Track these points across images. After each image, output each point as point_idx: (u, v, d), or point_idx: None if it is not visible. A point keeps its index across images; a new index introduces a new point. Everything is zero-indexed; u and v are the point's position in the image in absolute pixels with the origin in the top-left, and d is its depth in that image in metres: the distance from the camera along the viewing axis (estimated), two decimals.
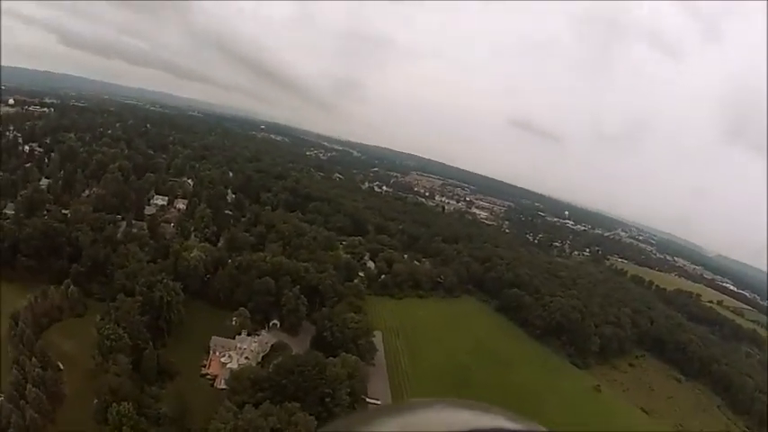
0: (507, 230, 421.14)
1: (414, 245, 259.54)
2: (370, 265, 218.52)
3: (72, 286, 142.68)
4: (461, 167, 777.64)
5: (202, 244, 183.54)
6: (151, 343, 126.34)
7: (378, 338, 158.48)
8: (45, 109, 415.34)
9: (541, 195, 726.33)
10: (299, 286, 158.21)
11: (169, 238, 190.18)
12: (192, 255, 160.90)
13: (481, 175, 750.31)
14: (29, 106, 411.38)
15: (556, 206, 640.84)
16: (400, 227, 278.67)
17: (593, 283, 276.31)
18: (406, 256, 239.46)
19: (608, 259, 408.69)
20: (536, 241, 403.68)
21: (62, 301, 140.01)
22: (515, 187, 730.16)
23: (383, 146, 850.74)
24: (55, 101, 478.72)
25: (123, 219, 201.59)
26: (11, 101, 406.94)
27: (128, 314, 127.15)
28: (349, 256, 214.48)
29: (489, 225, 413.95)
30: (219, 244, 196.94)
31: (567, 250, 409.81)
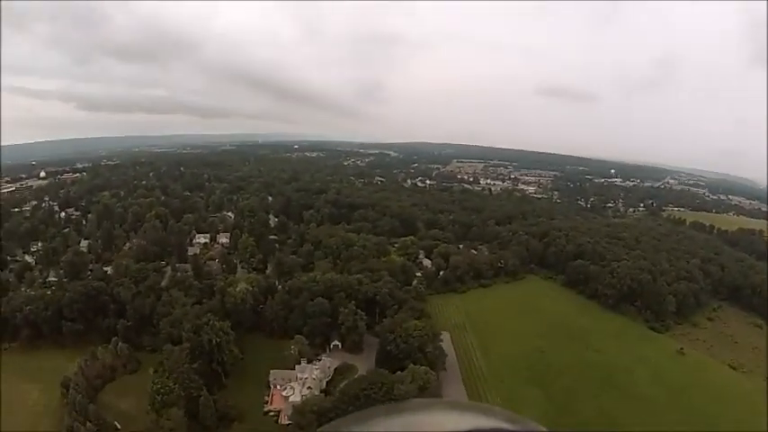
0: (558, 200, 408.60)
1: (467, 233, 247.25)
2: (427, 263, 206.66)
3: (120, 343, 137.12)
4: (500, 146, 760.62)
5: (249, 275, 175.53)
6: (205, 389, 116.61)
7: (446, 339, 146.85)
8: (77, 174, 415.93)
9: (585, 159, 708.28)
10: (353, 301, 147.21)
11: (216, 275, 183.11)
12: (237, 289, 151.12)
13: (521, 150, 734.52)
14: (61, 175, 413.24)
15: (601, 167, 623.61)
16: (450, 217, 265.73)
17: (656, 238, 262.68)
18: (461, 246, 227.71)
19: (664, 210, 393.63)
20: (589, 206, 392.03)
21: (113, 359, 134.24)
22: (558, 155, 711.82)
23: (419, 141, 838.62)
24: (87, 164, 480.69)
25: (167, 264, 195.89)
26: (42, 173, 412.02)
27: (177, 364, 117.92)
28: (403, 258, 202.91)
29: (539, 199, 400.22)
30: (268, 271, 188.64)
31: (622, 209, 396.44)
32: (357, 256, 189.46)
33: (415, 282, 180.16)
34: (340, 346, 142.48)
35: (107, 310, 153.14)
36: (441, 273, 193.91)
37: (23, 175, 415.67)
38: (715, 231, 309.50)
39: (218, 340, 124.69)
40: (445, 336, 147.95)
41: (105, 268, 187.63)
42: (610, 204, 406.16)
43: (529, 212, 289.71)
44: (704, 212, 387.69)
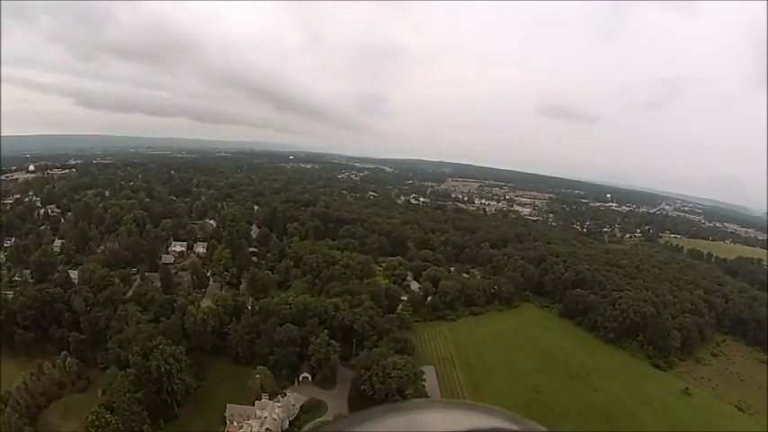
0: (554, 223, 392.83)
1: (460, 255, 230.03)
2: (414, 286, 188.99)
3: (69, 358, 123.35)
4: (496, 167, 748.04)
5: (218, 292, 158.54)
6: (150, 422, 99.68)
7: (431, 375, 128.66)
8: (66, 170, 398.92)
9: (580, 182, 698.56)
10: (328, 329, 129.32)
11: (184, 288, 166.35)
12: (199, 308, 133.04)
13: (517, 171, 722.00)
14: (50, 170, 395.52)
15: (597, 190, 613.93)
16: (443, 238, 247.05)
17: (657, 267, 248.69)
18: (452, 268, 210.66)
19: (660, 237, 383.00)
20: (585, 230, 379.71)
21: (62, 375, 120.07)
22: (553, 178, 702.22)
23: (416, 157, 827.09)
24: (79, 161, 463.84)
25: (137, 272, 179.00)
26: (31, 167, 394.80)
27: (119, 391, 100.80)
28: (388, 281, 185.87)
29: (535, 221, 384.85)
30: (242, 286, 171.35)
31: (618, 234, 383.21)
32: (338, 276, 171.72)
33: (400, 307, 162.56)
34: (310, 379, 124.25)
35: (62, 320, 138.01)
36: (429, 298, 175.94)
37: (13, 167, 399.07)
38: (713, 259, 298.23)
39: (167, 367, 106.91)
40: (430, 371, 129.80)
41: (72, 271, 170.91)
42: (606, 229, 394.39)
43: (525, 235, 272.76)
44: (701, 240, 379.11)
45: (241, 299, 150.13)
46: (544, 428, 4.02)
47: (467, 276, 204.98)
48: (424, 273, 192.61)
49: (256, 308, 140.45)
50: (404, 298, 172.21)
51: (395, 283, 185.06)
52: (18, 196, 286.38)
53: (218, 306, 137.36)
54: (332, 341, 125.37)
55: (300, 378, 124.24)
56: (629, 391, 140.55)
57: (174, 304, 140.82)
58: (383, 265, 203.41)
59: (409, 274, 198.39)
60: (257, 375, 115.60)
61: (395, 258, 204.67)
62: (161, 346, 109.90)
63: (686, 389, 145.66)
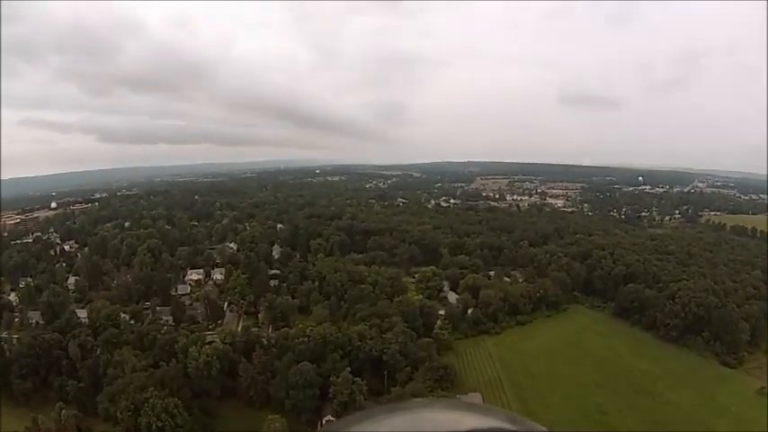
0: (590, 213, 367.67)
1: (498, 258, 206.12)
2: (452, 297, 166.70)
3: (63, 410, 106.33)
4: (524, 161, 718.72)
5: (225, 327, 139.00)
6: None
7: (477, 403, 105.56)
8: (88, 205, 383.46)
9: (611, 168, 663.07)
10: (354, 363, 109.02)
11: (202, 320, 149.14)
12: (203, 348, 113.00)
13: (546, 164, 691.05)
14: (72, 206, 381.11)
15: (627, 175, 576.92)
16: (478, 240, 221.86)
17: (708, 249, 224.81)
18: (492, 273, 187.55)
19: (700, 216, 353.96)
20: (623, 216, 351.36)
21: (58, 429, 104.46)
22: (583, 167, 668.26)
23: (442, 160, 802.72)
24: (104, 195, 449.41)
25: (148, 308, 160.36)
26: (53, 204, 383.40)
27: None
28: (422, 296, 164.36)
29: (571, 212, 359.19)
30: (260, 315, 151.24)
31: (657, 217, 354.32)
32: (365, 295, 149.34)
33: (438, 324, 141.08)
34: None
35: (61, 367, 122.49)
36: (469, 311, 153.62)
37: (37, 206, 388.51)
38: (758, 235, 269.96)
39: (159, 425, 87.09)
40: (475, 398, 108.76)
41: (82, 311, 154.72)
42: (644, 213, 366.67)
43: (564, 229, 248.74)
44: (741, 215, 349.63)
45: (256, 330, 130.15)
46: (544, 428, 3.86)
47: (508, 281, 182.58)
48: (461, 282, 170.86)
49: (272, 342, 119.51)
50: (441, 312, 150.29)
51: (430, 297, 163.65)
52: (38, 234, 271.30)
53: (225, 344, 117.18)
54: (357, 379, 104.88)
55: (324, 421, 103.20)
56: (702, 401, 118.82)
57: (176, 345, 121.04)
58: (416, 276, 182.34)
59: (445, 284, 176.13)
60: (269, 423, 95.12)
61: (428, 269, 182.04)
62: (152, 400, 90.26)
63: (762, 388, 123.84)
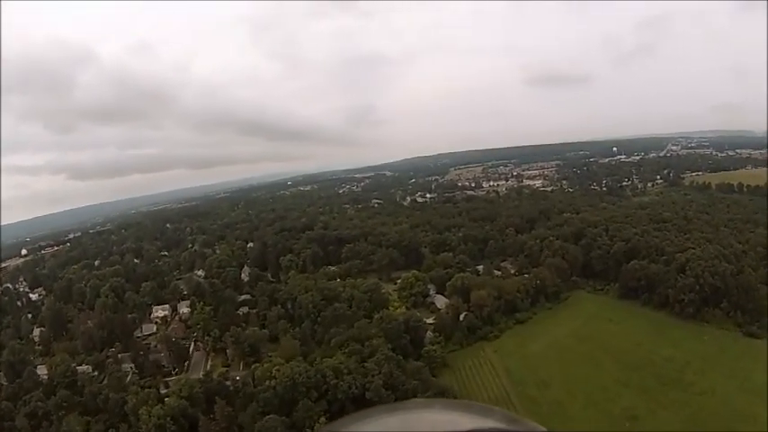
0: (570, 189, 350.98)
1: (484, 250, 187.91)
2: (440, 302, 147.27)
3: None
4: (497, 147, 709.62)
5: (182, 378, 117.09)
6: None
7: None
8: (59, 247, 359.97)
9: (583, 143, 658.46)
10: (328, 408, 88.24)
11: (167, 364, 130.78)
12: (153, 408, 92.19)
13: (518, 147, 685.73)
14: (43, 250, 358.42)
15: (601, 147, 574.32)
16: (460, 234, 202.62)
17: (703, 212, 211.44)
18: (480, 268, 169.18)
19: (682, 178, 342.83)
20: (604, 188, 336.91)
21: None
22: (556, 145, 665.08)
23: (414, 156, 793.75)
24: (78, 234, 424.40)
25: (109, 357, 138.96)
26: (23, 251, 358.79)
27: None
28: (405, 307, 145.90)
29: (551, 191, 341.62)
30: (229, 350, 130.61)
31: (640, 185, 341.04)
32: (341, 315, 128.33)
33: (428, 337, 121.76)
34: None
35: None
36: (461, 316, 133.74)
37: (13, 255, 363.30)
38: (745, 189, 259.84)
39: None
40: None
41: (41, 369, 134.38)
42: (625, 182, 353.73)
43: (549, 210, 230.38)
44: (723, 172, 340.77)
45: (224, 371, 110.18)
46: (544, 428, 3.99)
47: (499, 274, 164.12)
48: (448, 284, 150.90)
49: (236, 390, 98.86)
50: (430, 322, 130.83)
51: (415, 305, 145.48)
52: (8, 285, 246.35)
53: (182, 398, 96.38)
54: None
55: None
56: (737, 384, 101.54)
57: (126, 407, 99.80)
58: (398, 282, 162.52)
59: (431, 288, 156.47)
60: None
61: (410, 273, 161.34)
62: None
63: None
